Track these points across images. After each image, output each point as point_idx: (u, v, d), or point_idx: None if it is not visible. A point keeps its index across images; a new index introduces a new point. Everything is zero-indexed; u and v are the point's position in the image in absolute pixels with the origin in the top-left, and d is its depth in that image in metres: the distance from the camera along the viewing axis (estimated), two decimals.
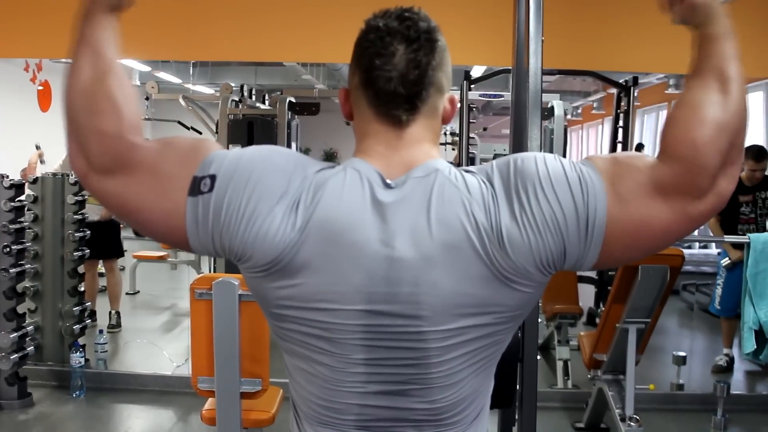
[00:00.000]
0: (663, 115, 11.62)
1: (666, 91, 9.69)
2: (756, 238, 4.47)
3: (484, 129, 12.16)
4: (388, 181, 1.10)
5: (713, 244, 8.55)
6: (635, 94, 6.15)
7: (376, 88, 1.12)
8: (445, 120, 1.20)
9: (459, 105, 5.48)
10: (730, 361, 5.35)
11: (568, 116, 8.74)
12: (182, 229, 1.11)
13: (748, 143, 5.85)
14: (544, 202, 1.07)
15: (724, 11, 1.13)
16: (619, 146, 6.22)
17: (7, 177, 4.34)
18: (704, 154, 1.06)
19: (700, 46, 1.13)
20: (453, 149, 10.58)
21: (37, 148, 7.91)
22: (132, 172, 1.13)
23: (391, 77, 1.10)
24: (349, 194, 1.08)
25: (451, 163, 1.48)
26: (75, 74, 1.16)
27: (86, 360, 4.65)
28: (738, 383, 5.24)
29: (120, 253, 6.19)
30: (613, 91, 6.76)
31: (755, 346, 4.48)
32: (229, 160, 1.11)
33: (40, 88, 9.95)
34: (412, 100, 1.12)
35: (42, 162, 7.71)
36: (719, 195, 1.10)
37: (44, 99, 10.09)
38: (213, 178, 1.10)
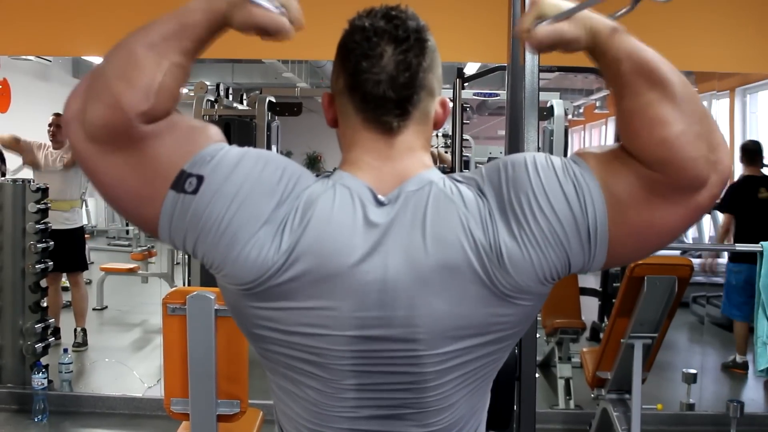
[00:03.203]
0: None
1: None
2: None
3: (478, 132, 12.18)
4: (380, 197, 1.11)
5: (725, 253, 8.58)
6: None
7: (364, 93, 1.11)
8: (437, 125, 1.20)
9: (452, 105, 5.51)
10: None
11: (569, 116, 8.76)
12: (155, 218, 1.11)
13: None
14: (541, 216, 1.07)
15: (590, 14, 1.10)
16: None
17: None
18: (686, 147, 1.05)
19: (603, 62, 1.10)
20: (446, 152, 10.61)
21: None
22: (120, 151, 1.09)
23: (380, 80, 1.10)
24: (339, 215, 1.08)
25: (443, 168, 1.48)
26: (145, 34, 1.09)
27: (49, 381, 4.62)
28: (753, 403, 5.27)
29: (85, 265, 6.16)
30: None
31: None
32: (223, 164, 1.10)
33: None
34: (402, 104, 1.12)
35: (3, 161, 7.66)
36: (720, 171, 1.09)
37: (2, 99, 10.04)
38: (200, 179, 1.08)
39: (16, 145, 5.75)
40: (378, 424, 1.14)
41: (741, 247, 4.91)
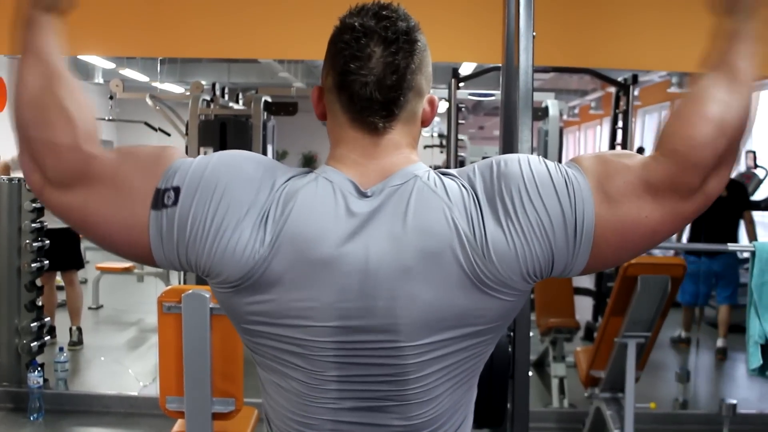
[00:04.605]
0: (665, 115, 11.69)
1: (668, 90, 9.76)
2: (762, 247, 4.50)
3: (480, 128, 12.18)
4: (364, 190, 1.12)
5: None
6: (635, 93, 6.19)
7: (351, 93, 1.12)
8: (425, 123, 1.21)
9: (447, 104, 5.52)
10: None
11: (564, 116, 8.77)
12: (146, 244, 1.13)
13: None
14: (530, 207, 1.09)
15: (754, 9, 1.14)
16: (618, 148, 6.26)
17: None
18: (700, 152, 1.09)
19: (720, 39, 1.15)
20: (441, 152, 10.63)
21: None
22: (91, 184, 1.13)
23: (367, 82, 1.11)
24: (321, 206, 1.10)
25: (438, 167, 1.49)
26: (21, 86, 1.15)
27: (45, 380, 4.62)
28: (745, 402, 5.28)
29: (81, 264, 6.16)
30: (612, 89, 6.80)
31: (761, 362, 4.51)
32: (193, 170, 1.13)
33: None
34: (389, 106, 1.13)
35: None
36: (707, 195, 1.14)
37: None
38: (177, 190, 1.11)
39: (7, 171, 5.71)
40: (360, 415, 1.15)
41: (733, 246, 4.93)
